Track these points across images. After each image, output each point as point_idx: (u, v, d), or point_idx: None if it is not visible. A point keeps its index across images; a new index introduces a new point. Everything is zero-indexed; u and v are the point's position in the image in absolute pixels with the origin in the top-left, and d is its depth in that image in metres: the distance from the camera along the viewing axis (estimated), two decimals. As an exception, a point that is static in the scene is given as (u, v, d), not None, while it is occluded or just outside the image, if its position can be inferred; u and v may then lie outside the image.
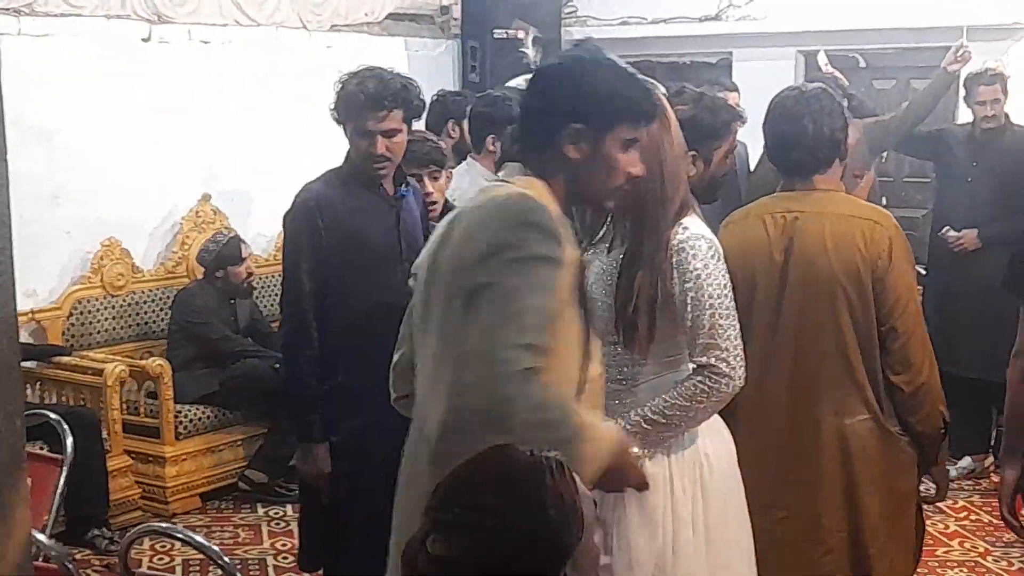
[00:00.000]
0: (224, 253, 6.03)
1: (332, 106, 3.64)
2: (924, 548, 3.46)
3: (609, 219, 2.77)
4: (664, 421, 2.67)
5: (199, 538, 2.94)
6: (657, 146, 2.61)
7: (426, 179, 3.97)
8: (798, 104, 3.23)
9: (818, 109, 3.21)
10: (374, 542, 3.55)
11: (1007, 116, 5.88)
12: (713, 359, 2.64)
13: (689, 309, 2.64)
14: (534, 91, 2.44)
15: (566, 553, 1.58)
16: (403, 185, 3.71)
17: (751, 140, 5.90)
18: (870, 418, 3.10)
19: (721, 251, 2.72)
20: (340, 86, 3.64)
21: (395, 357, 2.69)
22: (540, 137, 2.39)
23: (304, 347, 3.56)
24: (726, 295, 2.67)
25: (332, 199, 3.57)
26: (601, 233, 2.79)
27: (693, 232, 2.70)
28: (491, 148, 4.64)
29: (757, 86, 6.88)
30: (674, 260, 2.66)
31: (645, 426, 2.66)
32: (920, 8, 6.90)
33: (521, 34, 7.68)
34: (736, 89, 6.22)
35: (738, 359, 2.64)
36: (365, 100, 3.55)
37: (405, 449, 2.54)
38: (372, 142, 3.56)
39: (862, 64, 7.30)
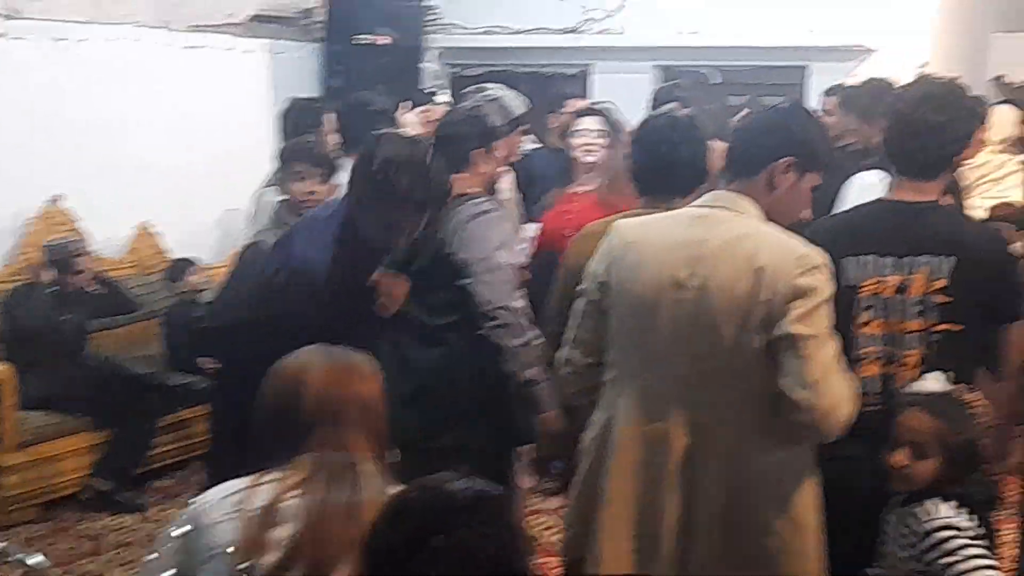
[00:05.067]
0: (61, 260, 5.89)
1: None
2: None
3: None
4: None
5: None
6: None
7: None
8: (674, 129, 3.44)
9: (693, 136, 3.44)
10: None
11: None
12: None
13: None
14: None
15: None
16: None
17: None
18: None
19: None
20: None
21: None
22: None
23: None
24: None
25: None
26: None
27: None
28: None
29: (615, 99, 7.06)
30: None
31: None
32: (770, 29, 7.11)
33: (385, 39, 7.71)
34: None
35: None
36: None
37: None
38: None
39: (717, 80, 7.48)
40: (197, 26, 7.29)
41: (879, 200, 3.26)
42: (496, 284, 3.61)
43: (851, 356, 3.01)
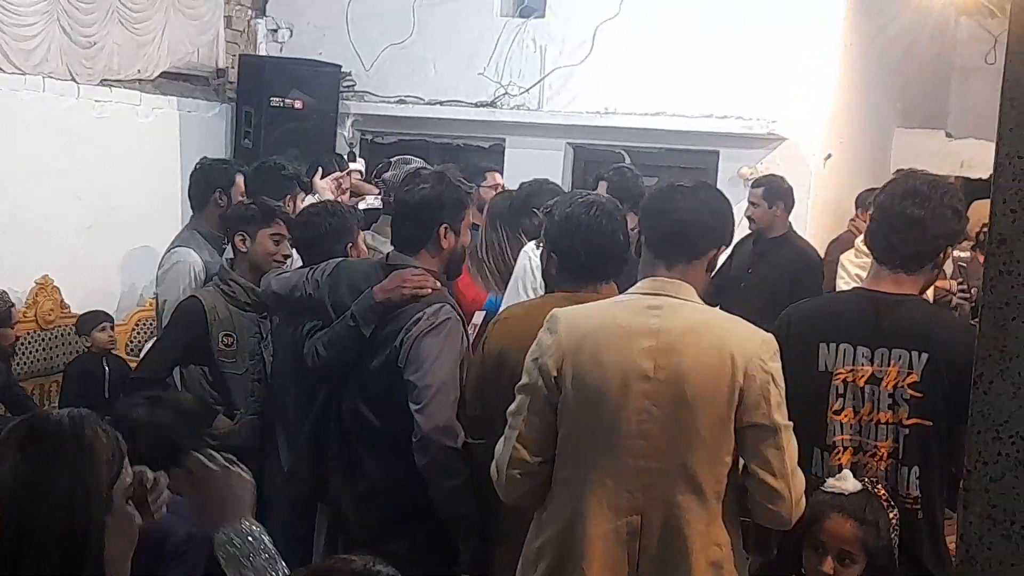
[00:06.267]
0: None
1: None
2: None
3: None
4: None
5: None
6: None
7: None
8: (609, 217, 3.28)
9: (623, 222, 3.31)
10: None
11: (790, 227, 6.17)
12: None
13: None
14: None
15: None
16: None
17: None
18: None
19: None
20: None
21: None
22: None
23: None
24: None
25: None
26: None
27: None
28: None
29: (527, 173, 7.11)
30: None
31: None
32: (683, 113, 7.25)
33: (298, 104, 7.68)
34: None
35: None
36: None
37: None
38: None
39: (627, 160, 7.56)
40: (106, 80, 7.17)
41: (858, 289, 3.30)
42: (437, 415, 3.35)
43: (824, 443, 3.07)
